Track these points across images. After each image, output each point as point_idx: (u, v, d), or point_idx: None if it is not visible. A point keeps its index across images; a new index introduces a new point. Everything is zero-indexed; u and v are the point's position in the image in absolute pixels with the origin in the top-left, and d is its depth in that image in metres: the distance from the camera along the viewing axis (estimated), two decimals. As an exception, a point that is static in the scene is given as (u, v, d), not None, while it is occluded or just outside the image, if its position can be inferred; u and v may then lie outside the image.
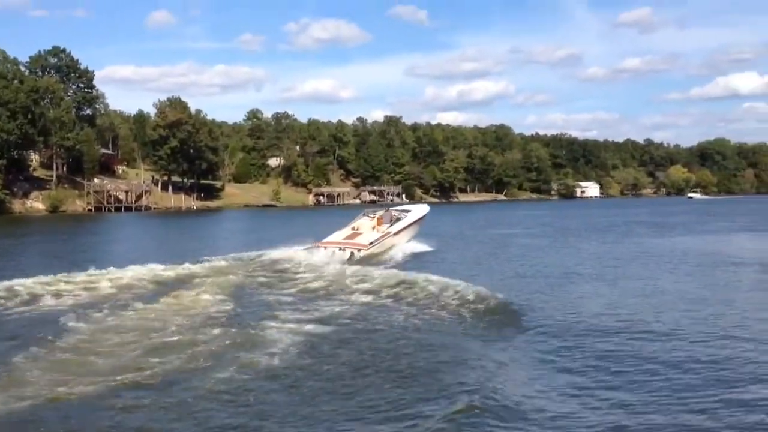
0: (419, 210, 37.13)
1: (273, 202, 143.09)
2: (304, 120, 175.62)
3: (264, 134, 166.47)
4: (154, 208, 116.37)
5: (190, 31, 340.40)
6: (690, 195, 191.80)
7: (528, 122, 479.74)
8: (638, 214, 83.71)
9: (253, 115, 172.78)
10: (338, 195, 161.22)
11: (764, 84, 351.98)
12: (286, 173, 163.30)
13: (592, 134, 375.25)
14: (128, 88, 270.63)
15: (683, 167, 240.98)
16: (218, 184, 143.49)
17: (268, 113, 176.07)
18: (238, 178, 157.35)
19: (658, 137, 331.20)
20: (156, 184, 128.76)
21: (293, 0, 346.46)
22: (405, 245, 32.96)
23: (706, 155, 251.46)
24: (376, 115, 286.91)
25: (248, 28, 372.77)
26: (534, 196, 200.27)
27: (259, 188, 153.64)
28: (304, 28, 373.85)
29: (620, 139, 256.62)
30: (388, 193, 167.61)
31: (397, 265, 27.47)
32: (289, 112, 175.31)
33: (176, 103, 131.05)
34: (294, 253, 29.24)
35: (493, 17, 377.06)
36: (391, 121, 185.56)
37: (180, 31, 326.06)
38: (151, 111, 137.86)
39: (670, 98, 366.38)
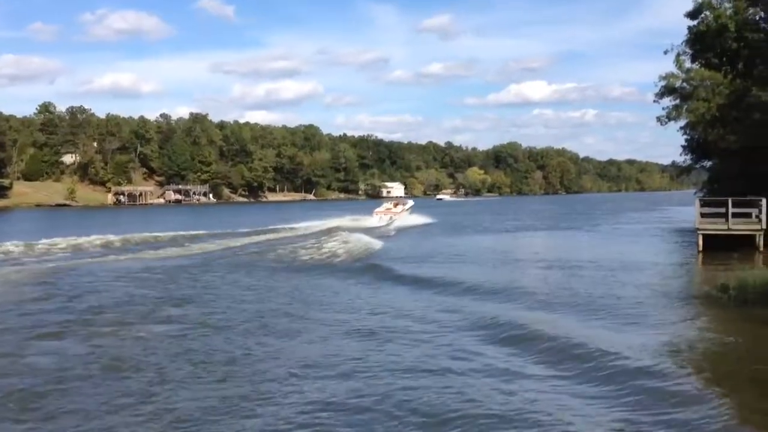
0: (410, 201, 69.25)
1: (68, 202, 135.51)
2: (102, 115, 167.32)
3: (57, 129, 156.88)
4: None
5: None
6: (439, 197, 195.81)
7: (337, 123, 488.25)
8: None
9: (45, 108, 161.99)
10: (140, 194, 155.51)
11: (552, 92, 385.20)
12: (83, 171, 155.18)
13: (397, 136, 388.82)
14: None
15: (480, 169, 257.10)
16: (6, 182, 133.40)
17: (62, 107, 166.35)
18: (28, 176, 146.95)
19: (458, 140, 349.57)
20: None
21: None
22: (409, 216, 60.71)
23: (500, 158, 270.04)
24: (182, 111, 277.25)
25: (39, 16, 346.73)
26: (342, 195, 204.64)
27: (53, 186, 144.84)
28: (101, 19, 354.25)
29: (423, 142, 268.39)
30: (194, 193, 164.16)
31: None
32: (86, 107, 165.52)
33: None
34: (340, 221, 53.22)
35: (301, 17, 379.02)
36: (197, 119, 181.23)
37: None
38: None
39: (468, 103, 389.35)
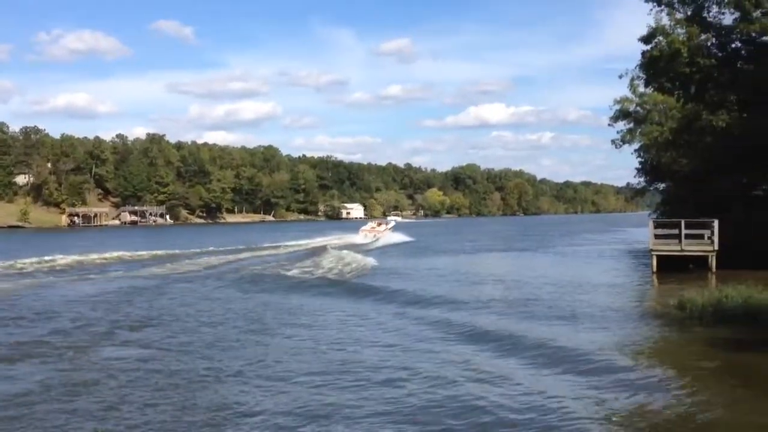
0: (392, 221, 77.34)
1: (21, 223, 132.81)
2: (56, 135, 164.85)
3: (10, 149, 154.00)
4: None
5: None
6: (390, 219, 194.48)
7: (296, 144, 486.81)
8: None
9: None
10: (95, 215, 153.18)
11: (510, 115, 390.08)
12: (37, 192, 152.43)
13: (356, 157, 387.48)
14: None
15: (439, 190, 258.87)
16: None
17: (15, 127, 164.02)
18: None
19: (417, 162, 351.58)
20: None
21: (44, 8, 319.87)
22: (392, 234, 64.80)
23: (459, 179, 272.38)
24: (138, 132, 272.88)
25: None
26: (302, 216, 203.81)
27: (5, 208, 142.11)
28: (57, 39, 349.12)
29: (383, 163, 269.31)
30: (150, 214, 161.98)
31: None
32: (40, 127, 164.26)
33: None
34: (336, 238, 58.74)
35: (260, 39, 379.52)
36: (154, 139, 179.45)
37: None
38: None
39: (427, 125, 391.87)
